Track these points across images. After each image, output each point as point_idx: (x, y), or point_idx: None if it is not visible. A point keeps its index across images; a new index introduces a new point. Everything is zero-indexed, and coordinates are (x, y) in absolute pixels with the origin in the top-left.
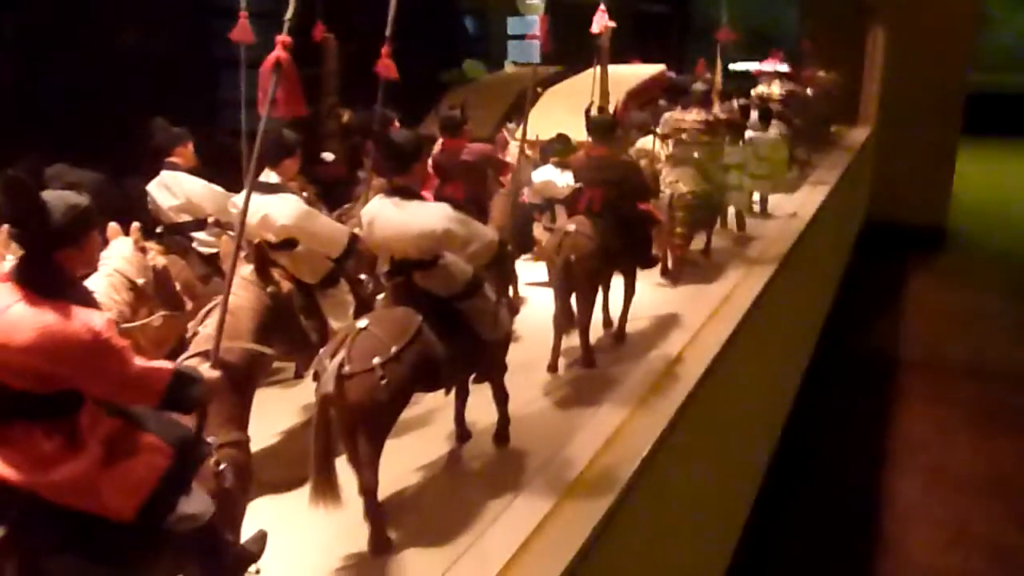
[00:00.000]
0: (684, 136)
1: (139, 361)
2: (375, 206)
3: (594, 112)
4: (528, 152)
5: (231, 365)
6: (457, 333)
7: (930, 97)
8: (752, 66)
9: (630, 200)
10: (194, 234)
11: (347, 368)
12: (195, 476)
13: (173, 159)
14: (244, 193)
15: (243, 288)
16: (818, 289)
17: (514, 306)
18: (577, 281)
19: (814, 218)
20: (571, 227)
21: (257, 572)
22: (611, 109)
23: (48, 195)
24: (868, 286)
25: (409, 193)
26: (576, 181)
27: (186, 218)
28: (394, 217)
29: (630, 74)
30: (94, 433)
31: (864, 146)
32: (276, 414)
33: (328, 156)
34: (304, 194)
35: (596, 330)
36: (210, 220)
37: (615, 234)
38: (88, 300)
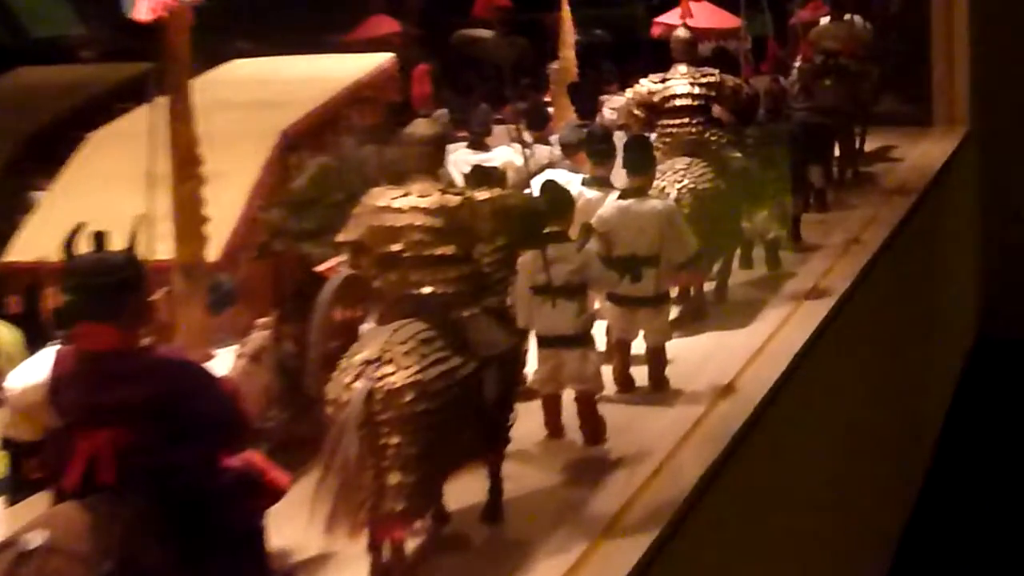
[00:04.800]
0: (399, 247)
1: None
2: None
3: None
4: None
5: None
6: None
7: None
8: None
9: (203, 451)
10: None
11: None
12: None
13: None
14: None
15: None
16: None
17: None
18: None
19: (798, 394)
20: (36, 540)
21: None
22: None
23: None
24: (986, 481)
25: None
26: (58, 413)
27: None
28: None
29: (299, 88)
30: None
31: (943, 174)
32: None
33: None
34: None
35: None
36: None
37: (156, 535)
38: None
